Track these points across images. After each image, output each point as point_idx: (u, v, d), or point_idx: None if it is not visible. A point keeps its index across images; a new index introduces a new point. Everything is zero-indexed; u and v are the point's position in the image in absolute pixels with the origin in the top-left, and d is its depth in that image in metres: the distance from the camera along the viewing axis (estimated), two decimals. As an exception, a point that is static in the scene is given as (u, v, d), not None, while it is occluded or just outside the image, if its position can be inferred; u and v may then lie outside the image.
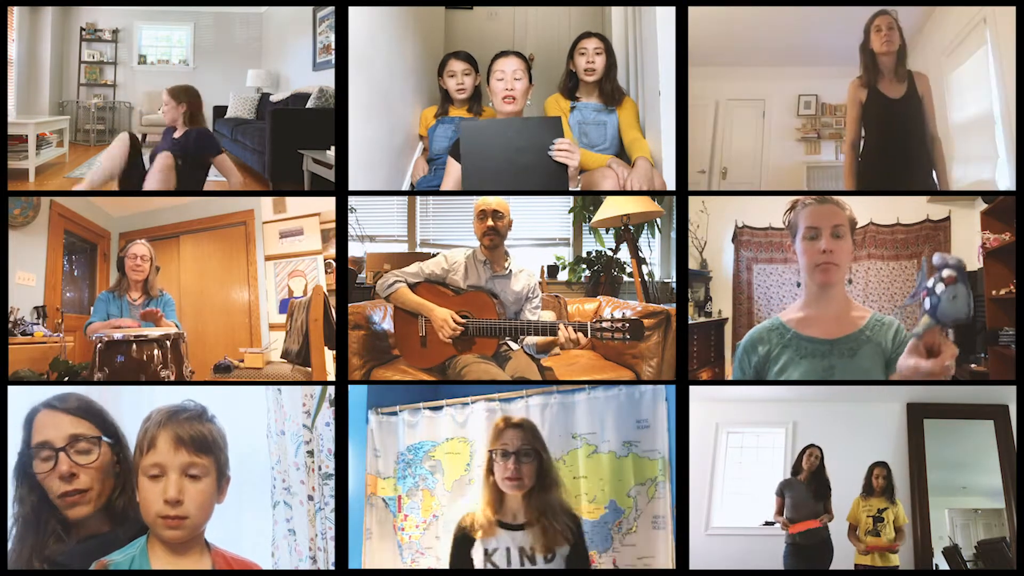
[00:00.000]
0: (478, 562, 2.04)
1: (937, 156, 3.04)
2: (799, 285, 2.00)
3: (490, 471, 2.09)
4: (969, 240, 4.10)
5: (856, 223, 1.97)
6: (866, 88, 2.95)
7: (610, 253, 4.97)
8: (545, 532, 2.02)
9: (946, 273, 1.47)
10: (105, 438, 1.79)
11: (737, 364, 2.05)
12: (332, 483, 2.49)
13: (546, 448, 2.12)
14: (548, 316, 3.32)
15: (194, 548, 1.65)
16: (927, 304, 1.51)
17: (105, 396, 2.35)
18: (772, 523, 3.11)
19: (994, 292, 3.64)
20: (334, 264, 4.47)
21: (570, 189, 2.58)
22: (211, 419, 1.70)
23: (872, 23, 2.89)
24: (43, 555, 1.72)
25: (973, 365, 3.86)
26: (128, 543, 1.65)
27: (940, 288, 1.46)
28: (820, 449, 3.06)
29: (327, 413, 2.50)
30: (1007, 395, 3.17)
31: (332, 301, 3.30)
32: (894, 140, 2.96)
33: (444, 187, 2.80)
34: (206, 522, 1.66)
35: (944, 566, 3.09)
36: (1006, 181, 2.98)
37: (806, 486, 3.00)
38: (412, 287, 2.96)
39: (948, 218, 4.29)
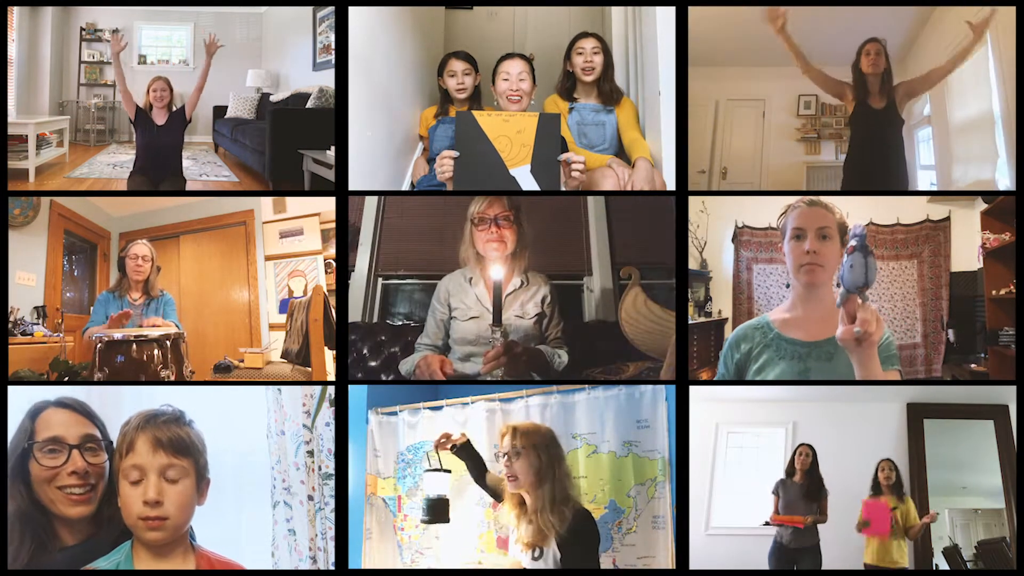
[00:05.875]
0: None
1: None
2: (788, 286, 2.01)
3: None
4: (969, 240, 4.10)
5: (848, 227, 1.97)
6: (854, 100, 3.26)
7: (610, 253, 4.96)
8: (531, 525, 2.04)
9: (848, 244, 1.63)
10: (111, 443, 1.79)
11: (722, 360, 2.05)
12: (332, 483, 2.49)
13: (551, 442, 2.18)
14: None
15: (178, 550, 1.64)
16: (837, 276, 1.69)
17: (106, 396, 2.35)
18: (769, 523, 3.10)
19: (994, 292, 3.63)
20: (334, 264, 4.46)
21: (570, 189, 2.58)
22: (189, 423, 1.70)
23: (863, 48, 3.18)
24: (29, 561, 1.70)
25: (973, 365, 3.85)
26: (112, 549, 1.64)
27: (844, 259, 1.63)
28: (811, 448, 3.05)
29: (327, 413, 2.50)
30: (1007, 395, 3.17)
31: (332, 301, 3.30)
32: (875, 141, 3.22)
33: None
34: (187, 523, 1.66)
35: (944, 566, 3.09)
36: (1006, 181, 2.98)
37: (800, 486, 3.00)
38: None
39: (948, 218, 4.29)
